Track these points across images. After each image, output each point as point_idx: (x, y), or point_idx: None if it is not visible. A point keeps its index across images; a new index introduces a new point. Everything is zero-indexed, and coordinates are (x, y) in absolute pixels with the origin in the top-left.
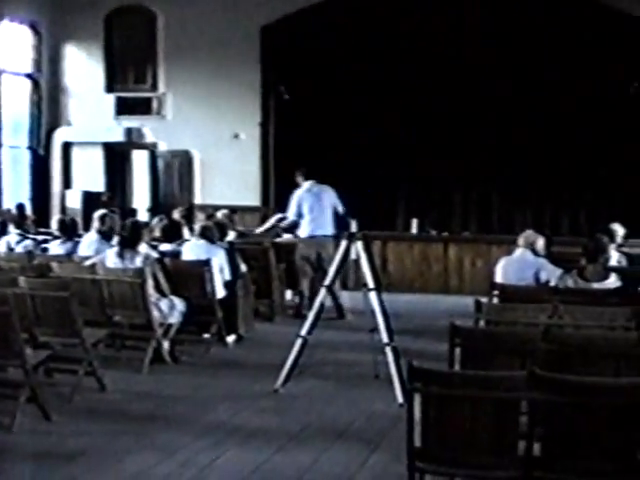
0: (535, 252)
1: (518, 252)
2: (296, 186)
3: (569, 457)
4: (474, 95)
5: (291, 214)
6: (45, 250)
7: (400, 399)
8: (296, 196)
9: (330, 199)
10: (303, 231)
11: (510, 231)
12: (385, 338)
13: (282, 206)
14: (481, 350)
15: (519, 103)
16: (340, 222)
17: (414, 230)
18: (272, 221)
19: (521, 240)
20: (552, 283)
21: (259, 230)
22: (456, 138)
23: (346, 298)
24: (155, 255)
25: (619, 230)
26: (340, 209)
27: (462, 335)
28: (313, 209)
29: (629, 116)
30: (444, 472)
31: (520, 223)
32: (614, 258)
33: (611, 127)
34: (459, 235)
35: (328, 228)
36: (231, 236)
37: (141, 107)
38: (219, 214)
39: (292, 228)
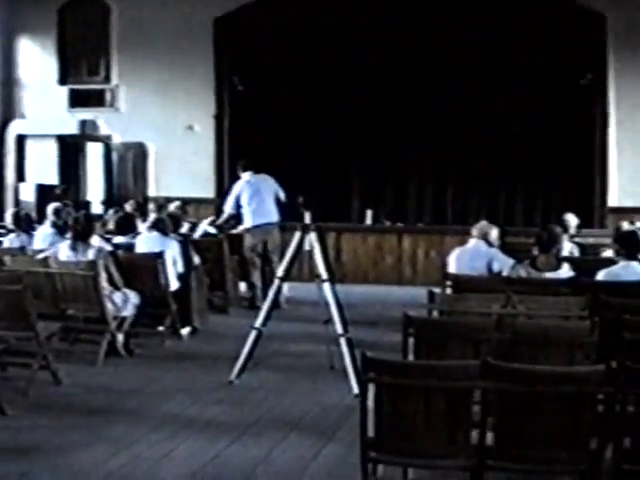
0: (488, 242)
1: (471, 242)
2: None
3: (522, 446)
4: (429, 87)
5: (228, 207)
6: None
7: (355, 390)
8: (234, 189)
9: (270, 187)
10: (247, 222)
11: (464, 222)
12: (339, 329)
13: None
14: (434, 340)
15: (472, 95)
16: (283, 210)
17: (368, 221)
18: (225, 217)
19: (474, 231)
20: (505, 273)
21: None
22: (411, 130)
23: (286, 288)
24: (108, 248)
25: (572, 220)
26: (282, 196)
27: (415, 325)
28: (253, 199)
29: (582, 107)
30: (397, 462)
31: (474, 214)
32: (567, 248)
33: (564, 118)
34: (413, 226)
35: (271, 216)
36: (185, 228)
37: (95, 99)
38: (172, 206)
39: (233, 221)
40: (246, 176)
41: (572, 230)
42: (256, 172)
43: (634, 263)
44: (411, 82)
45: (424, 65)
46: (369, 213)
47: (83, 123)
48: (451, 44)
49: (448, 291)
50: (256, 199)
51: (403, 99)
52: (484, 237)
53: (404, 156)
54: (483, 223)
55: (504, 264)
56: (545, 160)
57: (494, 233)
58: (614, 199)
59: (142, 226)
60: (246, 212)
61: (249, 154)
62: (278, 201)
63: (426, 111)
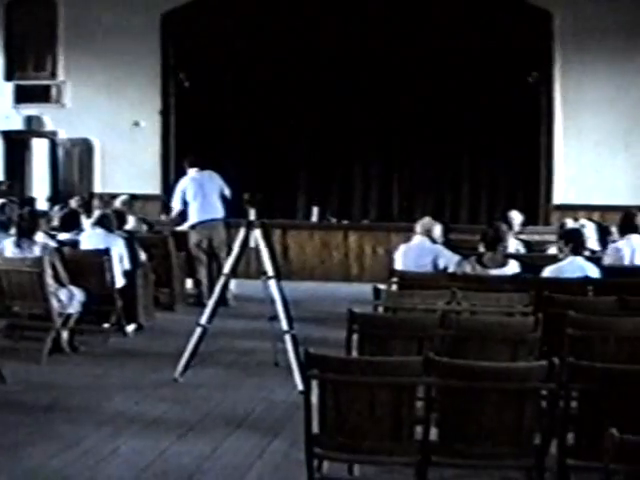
0: (432, 239)
1: (416, 239)
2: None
3: (466, 441)
4: (377, 86)
5: (175, 204)
6: None
7: (300, 386)
8: (179, 185)
9: (215, 184)
10: (191, 219)
11: (410, 219)
12: (285, 326)
13: None
14: (378, 336)
15: (420, 93)
16: (228, 206)
17: (314, 218)
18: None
19: (419, 227)
20: (451, 269)
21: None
22: (356, 127)
23: (233, 285)
24: (53, 244)
25: (517, 217)
26: (227, 193)
27: (359, 321)
28: (197, 196)
29: (528, 105)
30: (342, 458)
31: (420, 211)
32: (512, 245)
33: (510, 116)
34: (359, 223)
35: (215, 212)
36: (131, 222)
37: (40, 95)
38: (117, 202)
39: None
40: (192, 172)
41: (516, 227)
42: (202, 168)
43: (578, 259)
44: (360, 80)
45: (373, 63)
46: (315, 210)
47: (29, 119)
48: (399, 41)
49: (394, 288)
50: (200, 195)
51: (350, 96)
52: (428, 234)
53: (350, 153)
54: (426, 220)
55: (450, 260)
56: (490, 157)
57: (437, 229)
58: (559, 196)
59: (87, 222)
60: (191, 208)
61: (196, 150)
62: (224, 198)
63: (373, 109)
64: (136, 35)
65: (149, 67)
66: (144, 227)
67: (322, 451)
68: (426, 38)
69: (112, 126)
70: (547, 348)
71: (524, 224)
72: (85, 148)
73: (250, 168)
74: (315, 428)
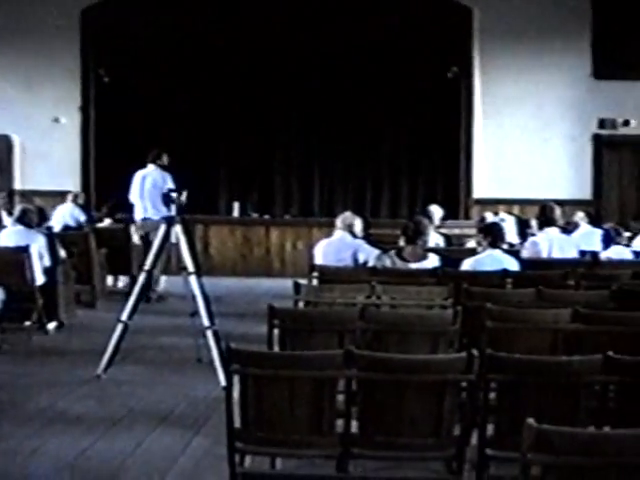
0: (353, 234)
1: (336, 234)
2: (118, 170)
3: (386, 434)
4: (296, 82)
5: (134, 198)
6: None
7: (222, 382)
8: (134, 180)
9: (157, 182)
10: (137, 215)
11: (331, 214)
12: (206, 322)
13: (103, 191)
14: (299, 331)
15: (338, 87)
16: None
17: (236, 213)
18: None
19: (339, 222)
20: (370, 264)
21: None
22: (277, 122)
23: (163, 280)
24: None
25: (437, 212)
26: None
27: (280, 316)
28: (142, 193)
29: (448, 100)
30: (264, 452)
31: (341, 206)
32: (433, 239)
33: (430, 111)
34: (281, 218)
35: (155, 210)
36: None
37: None
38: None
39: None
40: (150, 167)
41: (437, 221)
42: (158, 166)
43: (497, 253)
44: (281, 75)
45: (293, 57)
46: (236, 205)
47: None
48: (319, 35)
49: (314, 282)
50: (144, 193)
51: (270, 91)
52: (348, 228)
53: (271, 149)
54: (347, 214)
55: (369, 255)
56: (411, 152)
57: (358, 224)
58: (479, 190)
59: (8, 220)
60: (136, 205)
61: (116, 146)
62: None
63: (293, 104)
64: (55, 31)
65: (69, 63)
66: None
67: (244, 445)
68: (346, 32)
69: (32, 122)
70: (467, 340)
71: (444, 218)
72: (4, 145)
73: (171, 163)
74: (237, 423)
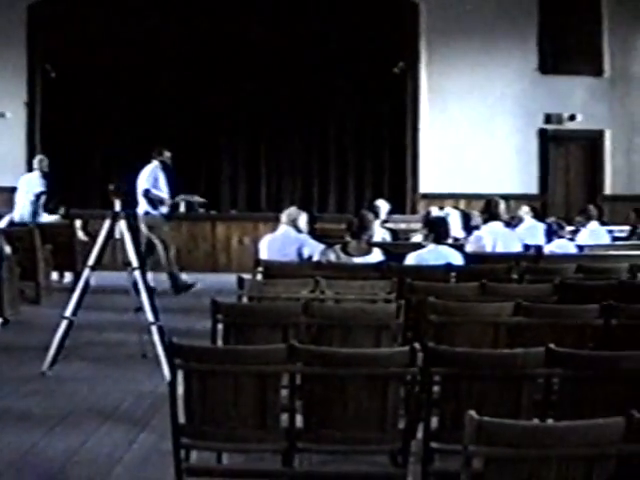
0: (297, 228)
1: (281, 229)
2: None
3: (331, 427)
4: (243, 76)
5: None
6: None
7: (168, 377)
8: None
9: (141, 179)
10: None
11: (278, 209)
12: (150, 317)
13: (48, 187)
14: (243, 325)
15: (285, 84)
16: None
17: (182, 209)
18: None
19: (284, 217)
20: (315, 258)
21: None
22: (223, 117)
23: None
24: None
25: (383, 206)
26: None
27: (223, 311)
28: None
29: (395, 95)
30: (210, 447)
31: (288, 201)
32: (379, 234)
33: (377, 106)
34: (227, 213)
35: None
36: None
37: None
38: None
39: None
40: (154, 163)
41: (383, 216)
42: (160, 162)
43: (442, 247)
44: (226, 70)
45: (243, 51)
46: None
47: None
48: (265, 33)
49: (259, 277)
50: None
51: (218, 87)
52: (293, 223)
53: (217, 143)
54: (292, 209)
55: (314, 249)
56: (358, 147)
57: (303, 219)
58: (426, 185)
59: None
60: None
61: (62, 141)
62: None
63: (239, 100)
64: (1, 26)
65: (15, 58)
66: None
67: (189, 441)
68: (293, 27)
69: None
70: (411, 334)
71: (391, 212)
72: None
73: (116, 158)
74: (181, 418)
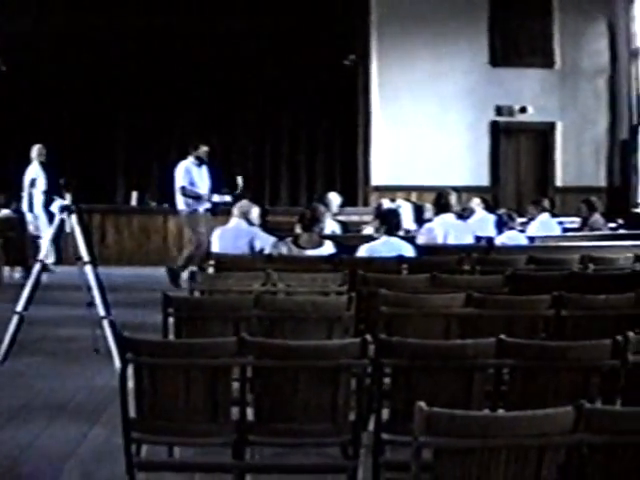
0: (249, 221)
1: (233, 222)
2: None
3: (282, 420)
4: (191, 71)
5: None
6: None
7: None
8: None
9: (176, 176)
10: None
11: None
12: (102, 312)
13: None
14: (195, 319)
15: (235, 78)
16: None
17: (134, 202)
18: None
19: (235, 210)
20: (266, 251)
21: None
22: (174, 113)
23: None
24: None
25: (335, 199)
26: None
27: (175, 305)
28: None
29: (346, 88)
30: (160, 441)
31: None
32: (330, 226)
33: (329, 99)
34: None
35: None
36: None
37: None
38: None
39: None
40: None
41: (334, 209)
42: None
43: (393, 239)
44: (176, 67)
45: (186, 53)
46: (134, 194)
47: None
48: (213, 26)
49: (211, 270)
50: None
51: (168, 81)
52: (244, 216)
53: (169, 139)
54: (243, 202)
55: (265, 242)
56: (310, 140)
57: (255, 212)
58: (377, 178)
59: None
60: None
61: (14, 134)
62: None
63: (190, 95)
64: None
65: None
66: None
67: (140, 435)
68: (243, 19)
69: None
70: (363, 326)
71: (343, 205)
72: None
73: (68, 152)
74: (132, 412)
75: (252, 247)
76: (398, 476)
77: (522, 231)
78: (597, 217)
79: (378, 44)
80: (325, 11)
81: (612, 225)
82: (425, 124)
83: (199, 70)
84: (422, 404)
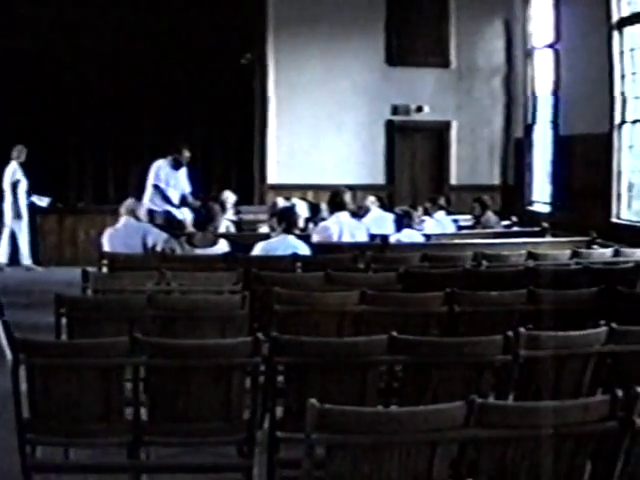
0: (137, 218)
1: (122, 220)
2: None
3: (176, 420)
4: (89, 69)
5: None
6: None
7: None
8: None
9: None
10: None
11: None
12: None
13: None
14: (88, 319)
15: (132, 76)
16: None
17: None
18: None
19: (123, 209)
20: (159, 247)
21: None
22: (71, 111)
23: None
24: None
25: (230, 197)
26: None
27: (67, 305)
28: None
29: (242, 87)
30: (56, 442)
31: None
32: (224, 225)
33: (225, 98)
34: (74, 206)
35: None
36: None
37: None
38: None
39: None
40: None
41: (230, 207)
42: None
43: (289, 238)
44: (75, 65)
45: (85, 51)
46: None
47: None
48: (109, 24)
49: (104, 270)
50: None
51: (64, 76)
52: (132, 213)
53: (65, 136)
54: (130, 201)
55: (157, 238)
56: (206, 138)
57: (142, 209)
58: (274, 176)
59: None
60: None
61: None
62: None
63: (88, 92)
64: None
65: None
66: None
67: (34, 436)
68: (139, 17)
69: None
70: (258, 325)
71: (238, 204)
72: None
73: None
74: (26, 413)
75: (145, 243)
76: (293, 473)
77: (419, 229)
78: (489, 215)
79: (275, 43)
80: (221, 10)
81: (506, 223)
82: (321, 123)
83: (97, 71)
84: (314, 401)
